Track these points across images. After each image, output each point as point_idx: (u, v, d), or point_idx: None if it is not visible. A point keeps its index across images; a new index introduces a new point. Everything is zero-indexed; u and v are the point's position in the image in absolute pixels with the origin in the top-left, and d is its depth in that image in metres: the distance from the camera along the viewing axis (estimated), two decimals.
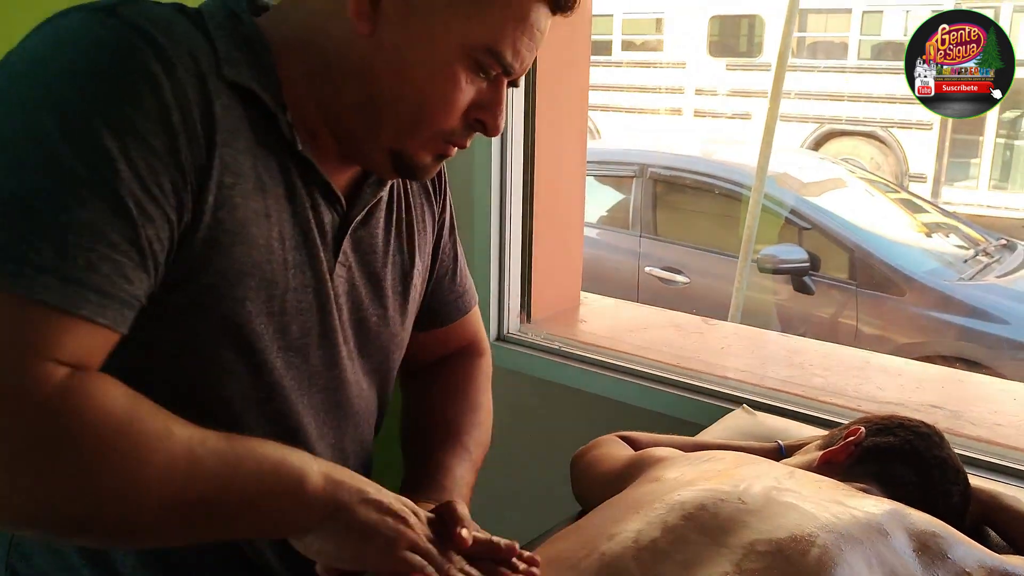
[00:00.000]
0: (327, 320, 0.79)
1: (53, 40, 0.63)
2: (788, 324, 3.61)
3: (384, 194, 0.85)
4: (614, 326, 1.83)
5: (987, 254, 3.76)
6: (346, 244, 0.80)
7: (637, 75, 7.79)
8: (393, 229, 0.87)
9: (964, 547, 0.85)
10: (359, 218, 0.81)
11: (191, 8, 0.71)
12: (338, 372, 0.82)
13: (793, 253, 3.54)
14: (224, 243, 0.68)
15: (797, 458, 1.10)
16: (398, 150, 0.76)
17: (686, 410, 1.53)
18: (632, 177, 4.03)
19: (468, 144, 0.79)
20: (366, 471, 0.90)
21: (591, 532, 0.86)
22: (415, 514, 0.72)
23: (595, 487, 1.09)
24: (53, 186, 0.58)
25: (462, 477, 0.89)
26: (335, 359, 0.81)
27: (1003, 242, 3.98)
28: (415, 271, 0.91)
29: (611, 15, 7.95)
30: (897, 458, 1.01)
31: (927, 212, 4.30)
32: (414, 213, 0.90)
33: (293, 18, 0.75)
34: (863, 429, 1.05)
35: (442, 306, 1.01)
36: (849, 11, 7.08)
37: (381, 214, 0.85)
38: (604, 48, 7.80)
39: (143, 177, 0.61)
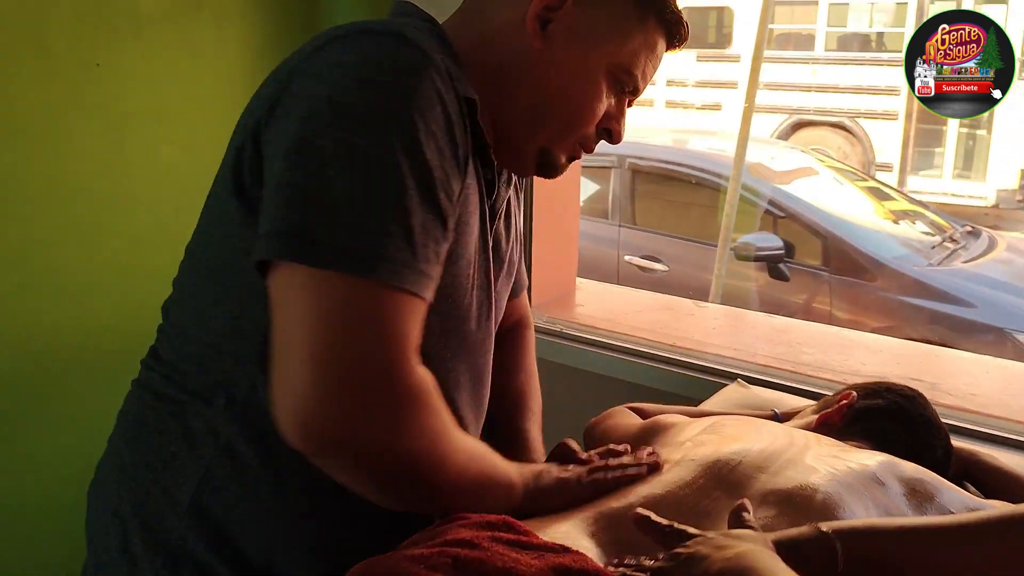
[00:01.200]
0: (487, 300, 0.93)
1: (373, 63, 0.73)
2: (766, 309, 3.73)
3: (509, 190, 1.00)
4: (610, 309, 1.93)
5: (953, 240, 3.91)
6: (495, 229, 0.95)
7: None
8: (510, 220, 1.02)
9: (949, 491, 0.96)
10: (502, 201, 0.96)
11: (419, 31, 0.81)
12: (485, 343, 0.95)
13: (769, 241, 3.65)
14: (460, 228, 0.82)
15: (795, 421, 1.21)
16: (548, 149, 0.90)
17: (683, 386, 1.63)
18: (610, 167, 4.13)
19: (594, 150, 0.95)
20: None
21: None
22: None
23: None
24: (396, 193, 0.70)
25: (536, 437, 1.07)
26: (486, 336, 0.95)
27: (968, 229, 4.13)
28: (516, 256, 1.07)
29: None
30: (886, 417, 1.12)
31: (894, 200, 4.44)
32: (513, 206, 1.03)
33: (470, 34, 0.89)
34: (855, 393, 1.16)
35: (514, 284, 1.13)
36: (816, 3, 7.23)
37: (503, 211, 0.98)
38: None
39: (447, 184, 0.75)
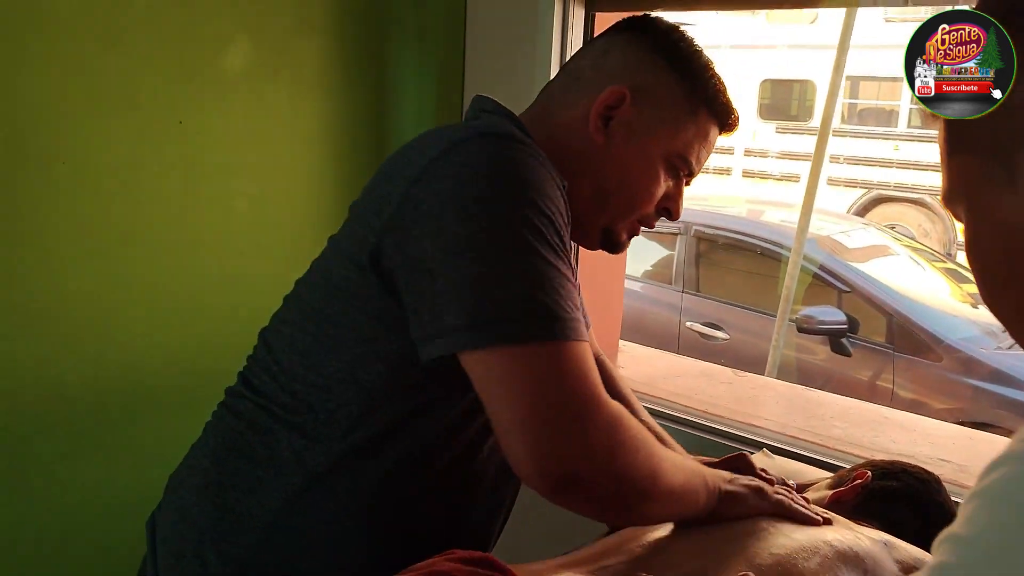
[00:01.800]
0: None
1: (496, 159, 0.86)
2: (825, 384, 3.70)
3: None
4: (651, 373, 1.97)
5: None
6: None
7: None
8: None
9: None
10: None
11: (510, 128, 0.94)
12: None
13: (832, 315, 3.64)
14: None
15: (809, 494, 1.24)
16: (611, 229, 1.04)
17: (710, 451, 1.65)
18: (676, 234, 4.18)
19: (654, 226, 1.07)
20: None
21: (625, 537, 1.01)
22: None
23: None
24: (549, 268, 0.83)
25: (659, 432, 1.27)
26: None
27: None
28: None
29: None
30: (900, 500, 1.14)
31: (973, 282, 4.35)
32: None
33: (541, 129, 1.01)
34: (870, 473, 1.18)
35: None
36: (900, 79, 7.21)
37: None
38: None
39: (569, 253, 0.87)
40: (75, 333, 1.62)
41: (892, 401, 3.47)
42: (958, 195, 0.64)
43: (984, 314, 3.99)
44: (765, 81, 7.82)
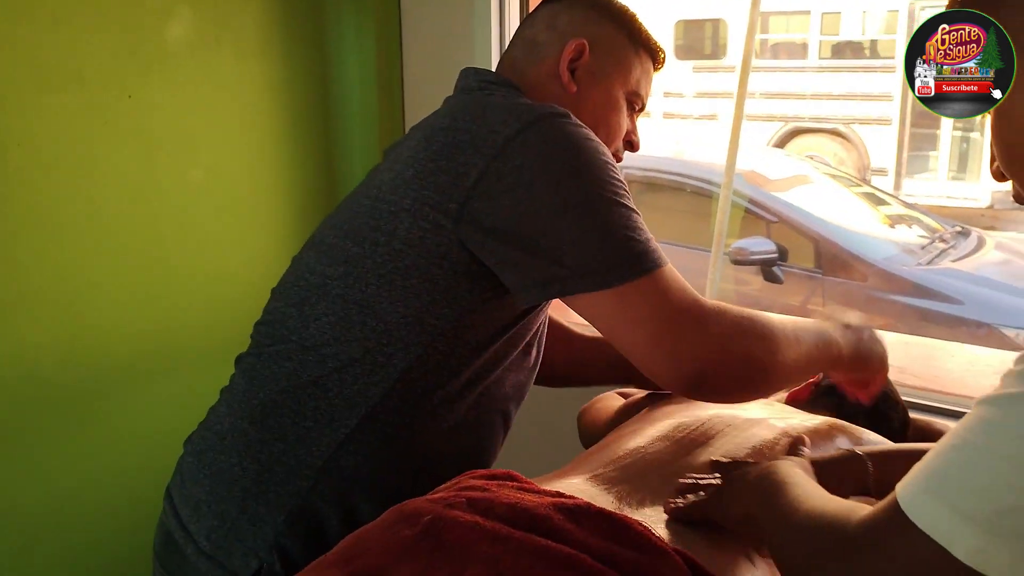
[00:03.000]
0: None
1: (566, 135, 1.00)
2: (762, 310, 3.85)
3: None
4: None
5: (943, 240, 4.06)
6: None
7: None
8: None
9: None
10: None
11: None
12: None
13: (762, 245, 3.80)
14: None
15: (771, 399, 1.36)
16: None
17: None
18: None
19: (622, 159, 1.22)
20: None
21: (604, 448, 1.11)
22: None
23: (599, 432, 1.34)
24: (629, 211, 0.98)
25: None
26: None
27: (958, 229, 4.28)
28: None
29: None
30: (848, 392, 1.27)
31: (889, 204, 4.59)
32: None
33: (543, 95, 1.14)
34: (820, 373, 1.31)
35: None
36: (808, 13, 7.41)
37: None
38: None
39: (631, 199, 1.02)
40: (35, 318, 1.64)
41: None
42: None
43: (902, 233, 4.22)
44: (679, 22, 7.94)
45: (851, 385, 1.22)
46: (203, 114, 1.85)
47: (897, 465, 0.88)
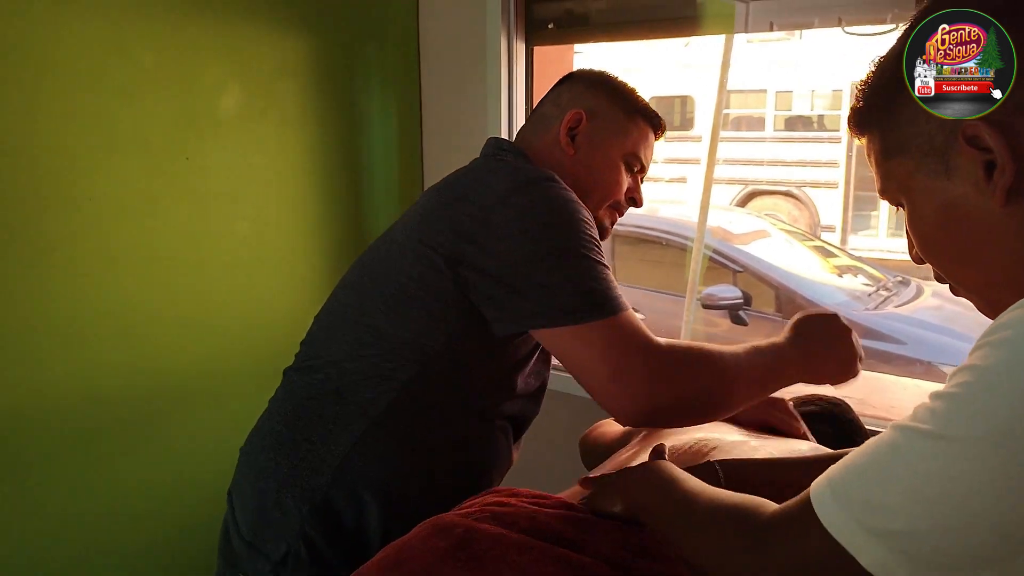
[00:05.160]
0: None
1: (549, 196, 1.03)
2: None
3: None
4: None
5: (887, 289, 4.08)
6: None
7: None
8: None
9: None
10: None
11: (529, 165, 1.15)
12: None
13: (729, 292, 3.81)
14: None
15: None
16: (596, 219, 1.15)
17: None
18: None
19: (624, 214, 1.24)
20: None
21: (604, 470, 1.11)
22: None
23: (600, 456, 1.33)
24: (594, 263, 1.00)
25: None
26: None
27: (899, 279, 4.31)
28: None
29: None
30: (820, 420, 1.27)
31: (837, 256, 4.63)
32: None
33: (544, 160, 1.18)
34: (791, 402, 1.31)
35: None
36: (764, 91, 7.53)
37: None
38: None
39: (602, 253, 1.04)
40: (105, 348, 1.65)
41: None
42: (895, 188, 0.69)
43: (848, 282, 4.25)
44: (652, 97, 8.04)
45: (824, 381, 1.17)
46: (249, 174, 1.87)
47: (749, 475, 0.90)
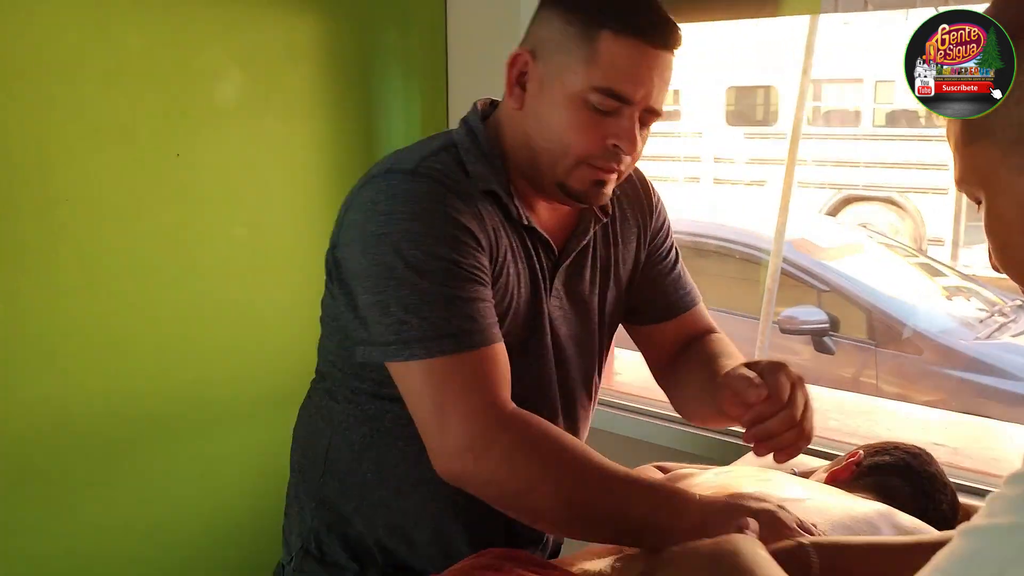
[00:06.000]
0: (542, 335, 1.12)
1: (390, 196, 1.00)
2: (811, 383, 3.76)
3: (589, 244, 1.18)
4: (647, 377, 2.03)
5: (1003, 314, 3.94)
6: (557, 281, 1.15)
7: (657, 144, 8.09)
8: (598, 269, 1.21)
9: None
10: (567, 263, 1.15)
11: (451, 142, 1.07)
12: (556, 368, 1.16)
13: (813, 314, 3.72)
14: (499, 290, 1.06)
15: (809, 480, 1.31)
16: (562, 183, 1.07)
17: (713, 449, 1.73)
18: None
19: (619, 167, 1.06)
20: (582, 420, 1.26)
21: None
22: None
23: None
24: (438, 287, 0.96)
25: (731, 355, 1.21)
26: (550, 361, 1.15)
27: (1019, 302, 4.15)
28: (608, 294, 1.23)
29: None
30: (893, 472, 1.22)
31: (946, 276, 4.48)
32: (611, 253, 1.22)
33: (500, 120, 1.10)
34: (862, 451, 1.26)
35: (671, 300, 1.29)
36: (861, 80, 7.38)
37: (587, 259, 1.19)
38: None
39: (473, 263, 0.99)
40: (80, 368, 1.67)
41: (877, 395, 3.55)
42: (974, 179, 0.68)
43: (959, 306, 4.11)
44: (730, 88, 7.96)
45: None
46: (249, 173, 1.88)
47: (851, 559, 0.85)
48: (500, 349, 0.99)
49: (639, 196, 1.27)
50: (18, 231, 1.57)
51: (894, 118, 7.39)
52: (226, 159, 1.84)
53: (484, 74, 2.12)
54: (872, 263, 4.25)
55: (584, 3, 1.02)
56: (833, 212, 7.01)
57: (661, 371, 1.33)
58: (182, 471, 1.83)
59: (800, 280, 3.93)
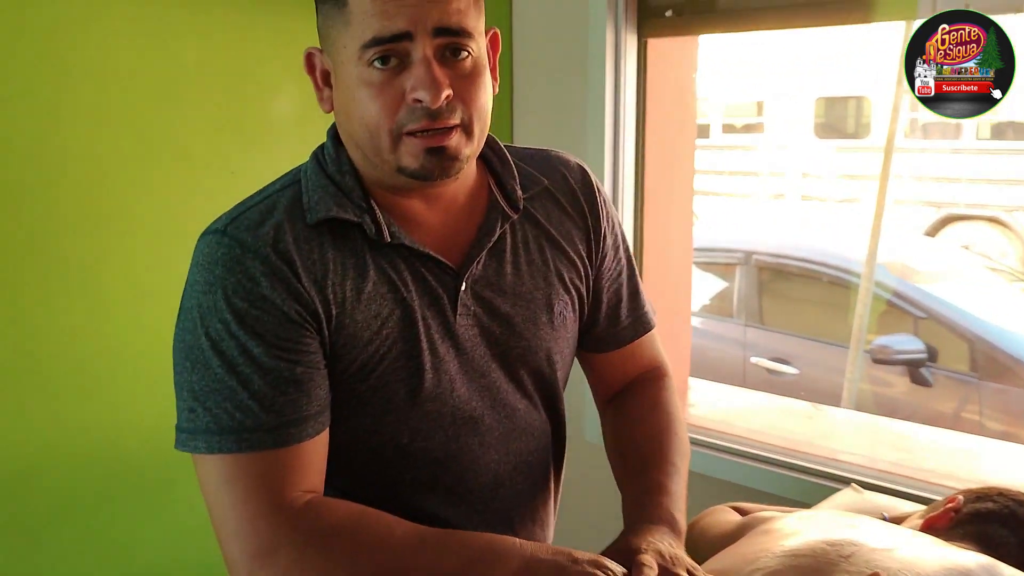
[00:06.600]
0: (454, 363, 1.04)
1: (195, 263, 0.96)
2: (906, 418, 3.66)
3: (506, 246, 1.06)
4: (725, 410, 2.00)
5: None
6: (466, 298, 1.03)
7: (738, 158, 8.00)
8: (524, 272, 1.08)
9: None
10: (476, 274, 1.04)
11: (296, 177, 1.02)
12: (488, 400, 1.06)
13: (909, 343, 3.62)
14: (351, 343, 0.97)
15: (904, 527, 1.26)
16: (398, 166, 0.96)
17: (795, 489, 1.68)
18: (736, 264, 4.20)
19: (444, 126, 0.93)
20: (545, 477, 1.16)
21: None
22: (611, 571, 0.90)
23: (710, 550, 1.27)
24: (229, 373, 0.91)
25: (677, 492, 1.08)
26: (478, 392, 1.06)
27: None
28: (557, 299, 1.10)
29: (707, 98, 8.24)
30: (996, 521, 1.16)
31: None
32: (548, 254, 1.10)
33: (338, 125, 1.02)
34: (961, 497, 1.21)
35: (619, 327, 1.19)
36: None
37: (506, 264, 1.06)
38: (702, 131, 8.05)
39: (275, 340, 0.92)
40: (127, 396, 1.71)
41: (981, 433, 3.42)
42: None
43: None
44: (819, 99, 7.85)
45: None
46: None
47: None
48: (297, 451, 0.93)
49: (576, 194, 1.14)
50: (66, 248, 1.61)
51: (1000, 130, 7.18)
52: (279, 174, 1.86)
53: (549, 81, 2.12)
54: (975, 288, 4.12)
55: None
56: (932, 232, 6.83)
57: (602, 402, 1.24)
58: None
59: (894, 306, 3.84)
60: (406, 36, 0.90)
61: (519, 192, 1.08)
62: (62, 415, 1.63)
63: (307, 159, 1.06)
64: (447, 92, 0.92)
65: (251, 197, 1.02)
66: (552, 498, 1.20)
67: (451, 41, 0.92)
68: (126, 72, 1.64)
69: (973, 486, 1.54)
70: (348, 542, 0.91)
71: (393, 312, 0.99)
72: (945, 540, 1.12)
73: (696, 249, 4.09)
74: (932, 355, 3.59)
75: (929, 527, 1.19)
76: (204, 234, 0.97)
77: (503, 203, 1.06)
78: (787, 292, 4.24)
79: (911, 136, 7.22)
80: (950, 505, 1.19)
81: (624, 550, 0.95)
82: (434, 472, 1.05)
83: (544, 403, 1.14)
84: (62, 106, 1.58)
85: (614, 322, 1.19)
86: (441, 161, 0.95)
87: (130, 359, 1.69)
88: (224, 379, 0.91)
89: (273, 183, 1.04)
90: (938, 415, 3.55)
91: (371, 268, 0.98)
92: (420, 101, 0.91)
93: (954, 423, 3.52)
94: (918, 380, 3.59)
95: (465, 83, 0.94)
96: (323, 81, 0.99)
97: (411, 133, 0.93)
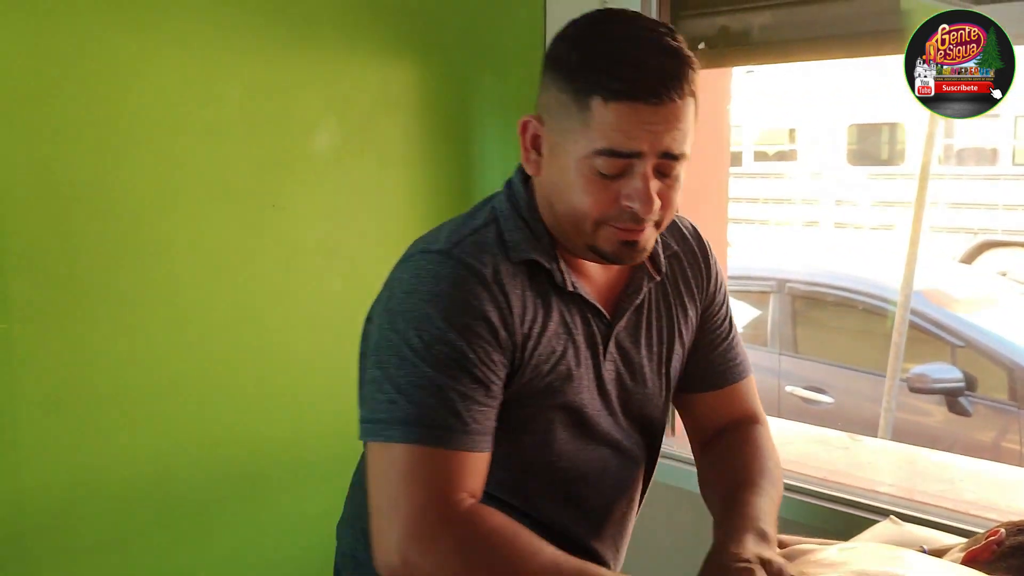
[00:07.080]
0: (597, 400, 1.15)
1: (416, 275, 1.05)
2: (945, 448, 3.62)
3: (644, 303, 1.18)
4: None
5: None
6: (611, 345, 1.15)
7: (771, 186, 7.99)
8: (654, 328, 1.20)
9: None
10: (621, 325, 1.16)
11: (494, 215, 1.10)
12: (607, 432, 1.18)
13: (946, 372, 3.59)
14: (532, 373, 1.08)
15: (943, 560, 1.26)
16: (591, 245, 1.07)
17: (832, 521, 1.67)
18: (770, 292, 4.19)
19: (645, 224, 1.04)
20: (634, 499, 1.27)
21: None
22: None
23: None
24: (437, 374, 1.00)
25: (763, 507, 1.13)
26: (605, 425, 1.17)
27: None
28: (674, 355, 1.23)
29: (740, 125, 8.24)
30: None
31: None
32: (674, 312, 1.22)
33: (533, 184, 1.11)
34: (1003, 530, 1.20)
35: (716, 370, 1.27)
36: (998, 116, 7.14)
37: (642, 320, 1.19)
38: (734, 159, 8.05)
39: (484, 358, 1.02)
40: (175, 422, 1.74)
41: (1021, 463, 3.38)
42: None
43: None
44: (851, 126, 7.83)
45: None
46: (344, 221, 1.94)
47: None
48: (475, 458, 1.02)
49: (695, 254, 1.25)
50: (116, 282, 1.65)
51: None
52: (322, 210, 1.91)
53: None
54: (1013, 315, 4.08)
55: (575, 70, 1.01)
56: (968, 259, 6.77)
57: (698, 446, 1.31)
58: (271, 527, 1.88)
59: (931, 334, 3.81)
60: (637, 155, 1.00)
61: (661, 257, 1.18)
62: (113, 443, 1.67)
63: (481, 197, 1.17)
64: (657, 204, 1.02)
65: (459, 226, 1.10)
66: (634, 518, 1.30)
67: (671, 164, 1.02)
68: (175, 112, 1.69)
69: (1015, 518, 1.53)
70: (498, 551, 0.97)
71: (566, 350, 1.10)
72: (988, 574, 1.12)
73: (730, 277, 4.08)
74: (970, 384, 3.55)
75: (971, 560, 1.18)
76: (426, 252, 1.06)
77: (648, 264, 1.17)
78: (821, 320, 4.22)
79: (946, 163, 7.18)
80: (992, 538, 1.18)
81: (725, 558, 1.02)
82: (567, 488, 1.16)
83: (645, 440, 1.24)
84: (109, 147, 1.63)
85: (721, 364, 1.27)
86: (632, 251, 1.07)
87: (175, 388, 1.73)
88: (432, 377, 1.00)
89: (473, 215, 1.13)
90: (977, 445, 3.51)
91: (554, 309, 1.10)
92: (633, 209, 1.02)
93: (994, 453, 3.48)
94: (956, 409, 3.56)
95: (668, 192, 1.04)
96: (532, 144, 1.08)
97: (611, 225, 1.04)
